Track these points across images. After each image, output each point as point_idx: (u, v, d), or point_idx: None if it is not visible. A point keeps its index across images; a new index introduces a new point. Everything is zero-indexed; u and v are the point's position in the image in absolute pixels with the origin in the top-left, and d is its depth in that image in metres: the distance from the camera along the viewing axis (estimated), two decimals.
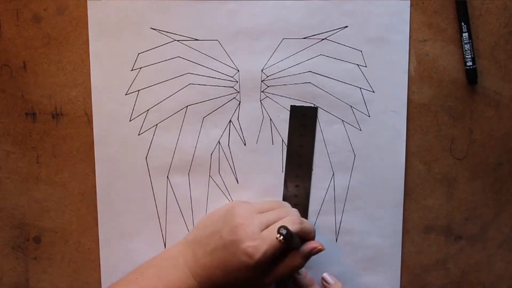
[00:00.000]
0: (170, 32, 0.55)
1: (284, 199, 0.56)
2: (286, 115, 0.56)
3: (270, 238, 0.48)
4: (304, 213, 0.56)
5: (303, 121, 0.55)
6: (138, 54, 0.55)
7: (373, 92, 0.55)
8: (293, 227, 0.49)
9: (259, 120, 0.56)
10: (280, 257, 0.50)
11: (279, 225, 0.47)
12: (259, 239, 0.48)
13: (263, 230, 0.49)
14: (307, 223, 0.52)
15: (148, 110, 0.56)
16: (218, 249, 0.49)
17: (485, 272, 0.58)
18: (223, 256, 0.49)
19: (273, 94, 0.55)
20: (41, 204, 0.58)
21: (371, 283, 0.57)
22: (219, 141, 0.56)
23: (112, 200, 0.57)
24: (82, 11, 0.55)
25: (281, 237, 0.46)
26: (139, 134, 0.56)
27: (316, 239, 0.57)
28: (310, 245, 0.51)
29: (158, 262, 0.52)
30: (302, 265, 0.51)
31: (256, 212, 0.51)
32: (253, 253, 0.47)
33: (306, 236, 0.51)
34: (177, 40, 0.55)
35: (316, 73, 0.55)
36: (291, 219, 0.50)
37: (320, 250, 0.51)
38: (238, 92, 0.56)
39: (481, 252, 0.57)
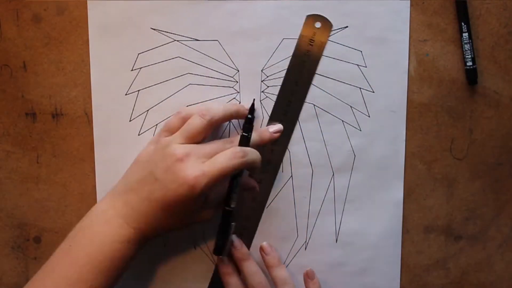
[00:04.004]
0: (170, 32, 0.55)
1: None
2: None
3: (211, 172, 0.47)
4: (276, 168, 0.56)
5: (313, 36, 0.54)
6: (138, 54, 0.55)
7: (373, 92, 0.55)
8: (233, 162, 0.48)
9: (259, 120, 0.56)
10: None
11: (216, 161, 0.48)
12: (199, 171, 0.46)
13: (203, 160, 0.48)
14: (251, 155, 0.50)
15: (148, 110, 0.56)
16: (155, 191, 0.48)
17: (485, 272, 0.58)
18: (163, 196, 0.47)
19: (273, 94, 0.55)
20: (41, 204, 0.58)
21: (371, 283, 0.57)
22: None
23: None
24: (82, 11, 0.55)
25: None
26: (139, 134, 0.56)
27: (316, 239, 0.57)
28: (247, 183, 0.53)
29: (88, 223, 0.49)
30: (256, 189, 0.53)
31: (180, 142, 0.49)
32: (194, 184, 0.46)
33: (250, 167, 0.50)
34: (177, 40, 0.55)
35: (316, 73, 0.55)
36: (232, 152, 0.48)
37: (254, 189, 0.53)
38: (238, 92, 0.56)
39: (481, 252, 0.57)
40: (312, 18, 0.54)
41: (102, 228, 0.48)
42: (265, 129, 0.54)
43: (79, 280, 0.47)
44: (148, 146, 0.52)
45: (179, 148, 0.48)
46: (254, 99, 0.54)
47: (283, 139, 0.56)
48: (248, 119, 0.52)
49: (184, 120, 0.51)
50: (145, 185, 0.49)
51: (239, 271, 0.55)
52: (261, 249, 0.55)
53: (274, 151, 0.56)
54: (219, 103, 0.53)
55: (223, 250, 0.52)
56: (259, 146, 0.53)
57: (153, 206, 0.48)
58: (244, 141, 0.51)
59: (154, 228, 0.49)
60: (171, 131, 0.51)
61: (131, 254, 0.49)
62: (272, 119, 0.55)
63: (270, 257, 0.54)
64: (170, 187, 0.47)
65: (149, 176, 0.48)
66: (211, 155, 0.48)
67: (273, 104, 0.55)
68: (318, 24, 0.54)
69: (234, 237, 0.55)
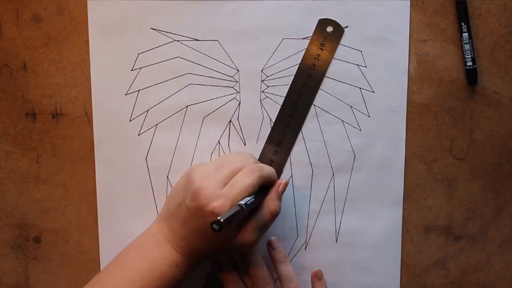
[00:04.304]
0: (170, 32, 0.55)
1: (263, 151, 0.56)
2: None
3: (232, 194, 0.48)
4: (279, 169, 0.56)
5: (324, 40, 0.54)
6: (138, 54, 0.55)
7: (373, 92, 0.55)
8: (250, 178, 0.48)
9: (259, 120, 0.56)
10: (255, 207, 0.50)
11: (234, 183, 0.48)
12: (221, 198, 0.47)
13: (223, 187, 0.48)
14: (266, 169, 0.51)
15: (148, 110, 0.56)
16: (188, 218, 0.49)
17: (485, 272, 0.58)
18: (195, 224, 0.49)
19: (273, 94, 0.55)
20: (41, 204, 0.58)
21: (371, 283, 0.57)
22: (219, 141, 0.56)
23: (112, 200, 0.57)
24: (82, 11, 0.55)
25: (214, 229, 0.44)
26: (139, 134, 0.56)
27: (316, 239, 0.57)
28: (275, 186, 0.51)
29: (139, 243, 0.52)
30: (279, 207, 0.51)
31: (213, 170, 0.50)
32: (219, 212, 0.47)
33: (267, 180, 0.51)
34: (177, 40, 0.55)
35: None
36: (248, 170, 0.49)
37: (286, 184, 0.51)
38: (238, 92, 0.56)
39: (481, 252, 0.57)
40: (324, 22, 0.54)
41: (153, 250, 0.50)
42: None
43: None
44: (184, 174, 0.52)
45: (199, 175, 0.49)
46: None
47: (286, 146, 0.56)
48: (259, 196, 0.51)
49: (235, 168, 0.50)
50: (181, 211, 0.50)
51: (236, 268, 0.55)
52: (269, 243, 0.55)
53: (278, 153, 0.56)
54: (268, 167, 0.52)
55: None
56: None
57: (190, 232, 0.49)
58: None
59: (198, 252, 0.50)
60: (220, 167, 0.51)
61: (179, 277, 0.50)
62: (275, 128, 0.55)
63: (277, 252, 0.55)
64: (198, 215, 0.48)
65: (182, 202, 0.50)
66: (228, 178, 0.49)
67: (277, 110, 0.55)
68: (330, 29, 0.54)
69: None
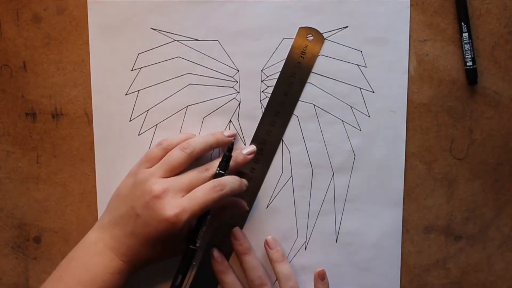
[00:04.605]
0: (170, 32, 0.55)
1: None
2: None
3: (191, 208, 0.47)
4: (263, 170, 0.56)
5: (304, 49, 0.54)
6: (138, 54, 0.55)
7: (373, 92, 0.55)
8: (212, 196, 0.48)
9: (259, 120, 0.56)
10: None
11: (195, 197, 0.48)
12: (179, 208, 0.47)
13: (179, 194, 0.48)
14: (229, 186, 0.50)
15: (148, 110, 0.56)
16: (138, 227, 0.49)
17: (485, 272, 0.58)
18: (146, 233, 0.48)
19: None
20: (41, 204, 0.58)
21: (371, 283, 0.57)
22: None
23: None
24: (82, 11, 0.55)
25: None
26: (139, 134, 0.56)
27: (316, 239, 0.57)
28: (235, 203, 0.53)
29: (79, 254, 0.51)
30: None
31: (160, 176, 0.49)
32: (176, 222, 0.47)
33: (231, 195, 0.50)
34: (177, 40, 0.55)
35: (316, 73, 0.55)
36: (211, 187, 0.49)
37: (240, 206, 0.53)
38: (238, 92, 0.56)
39: (481, 252, 0.57)
40: (305, 30, 0.54)
41: (94, 260, 0.50)
42: (239, 151, 0.54)
43: None
44: (127, 179, 0.52)
45: (156, 183, 0.49)
46: (234, 139, 0.54)
47: (275, 141, 0.56)
48: (225, 157, 0.52)
49: (165, 151, 0.52)
50: (128, 220, 0.49)
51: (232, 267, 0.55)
52: (266, 242, 0.55)
53: (267, 142, 0.56)
54: (199, 136, 0.53)
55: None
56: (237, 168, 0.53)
57: (137, 240, 0.49)
58: (219, 177, 0.51)
59: (142, 260, 0.50)
60: (151, 162, 0.52)
61: (121, 284, 0.51)
62: (260, 128, 0.55)
63: (275, 251, 0.55)
64: (151, 224, 0.48)
65: (131, 211, 0.49)
66: (189, 188, 0.49)
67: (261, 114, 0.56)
68: (310, 37, 0.54)
69: (236, 229, 0.55)
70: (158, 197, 0.48)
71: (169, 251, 0.51)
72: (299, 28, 0.54)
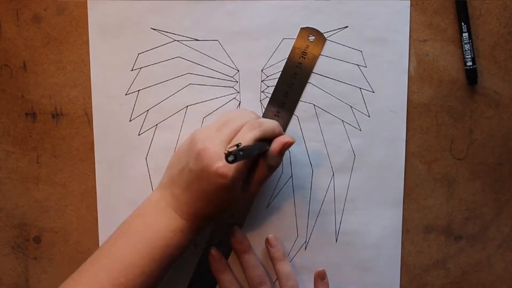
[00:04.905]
0: (170, 32, 0.55)
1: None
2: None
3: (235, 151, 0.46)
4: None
5: (305, 49, 0.54)
6: (138, 54, 0.55)
7: (373, 92, 0.55)
8: (252, 133, 0.48)
9: None
10: (256, 161, 0.49)
11: (237, 141, 0.47)
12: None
13: (226, 146, 0.48)
14: (268, 123, 0.50)
15: (148, 110, 0.56)
16: (192, 182, 0.48)
17: (485, 272, 0.58)
18: (199, 187, 0.48)
19: None
20: (41, 204, 0.58)
21: (371, 283, 0.57)
22: None
23: (112, 200, 0.57)
24: (82, 11, 0.55)
25: (228, 161, 0.43)
26: (139, 134, 0.56)
27: (316, 239, 0.57)
28: (278, 141, 0.49)
29: (142, 212, 0.51)
30: (278, 163, 0.50)
31: (215, 131, 0.49)
32: (226, 172, 0.46)
33: (270, 135, 0.50)
34: (177, 40, 0.55)
35: (316, 73, 0.55)
36: (249, 126, 0.49)
37: (290, 143, 0.50)
38: (238, 92, 0.56)
39: (481, 252, 0.57)
40: (306, 30, 0.54)
41: (157, 218, 0.50)
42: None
43: (132, 264, 0.48)
44: (186, 139, 0.52)
45: (202, 137, 0.48)
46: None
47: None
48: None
49: (236, 127, 0.50)
50: (183, 176, 0.49)
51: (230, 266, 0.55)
52: (267, 241, 0.55)
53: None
54: (271, 121, 0.51)
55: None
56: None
57: (194, 196, 0.49)
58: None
59: (203, 216, 0.50)
60: (221, 127, 0.50)
61: (184, 243, 0.50)
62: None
63: (276, 250, 0.55)
64: (203, 177, 0.47)
65: (185, 167, 0.49)
66: (231, 137, 0.49)
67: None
68: (311, 38, 0.54)
69: (236, 228, 0.55)
70: (205, 149, 0.47)
71: (228, 203, 0.50)
72: (301, 28, 0.54)
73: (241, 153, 0.43)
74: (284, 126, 0.56)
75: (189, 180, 0.48)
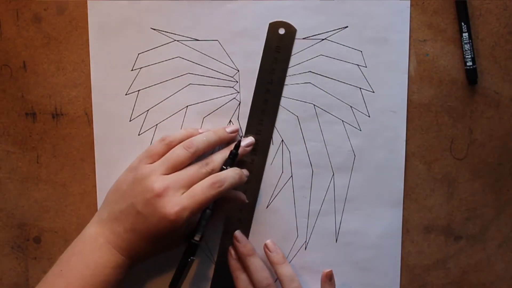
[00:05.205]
0: (170, 32, 0.55)
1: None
2: (287, 115, 0.56)
3: (191, 206, 0.48)
4: (263, 153, 0.56)
5: (278, 43, 0.54)
6: (138, 54, 0.55)
7: (373, 92, 0.55)
8: (211, 194, 0.48)
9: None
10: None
11: (194, 189, 0.48)
12: (179, 206, 0.48)
13: (179, 190, 0.49)
14: (229, 179, 0.50)
15: (148, 110, 0.56)
16: (138, 224, 0.49)
17: (485, 272, 0.58)
18: (146, 229, 0.49)
19: None
20: (41, 204, 0.58)
21: (371, 283, 0.57)
22: None
23: None
24: (82, 11, 0.55)
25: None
26: (139, 134, 0.56)
27: (316, 239, 0.57)
28: (234, 197, 0.53)
29: (79, 249, 0.51)
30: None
31: (161, 173, 0.50)
32: (176, 220, 0.47)
33: (231, 191, 0.52)
34: (177, 40, 0.55)
35: (316, 73, 0.55)
36: (210, 183, 0.49)
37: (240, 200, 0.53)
38: (238, 92, 0.56)
39: (481, 252, 0.57)
40: (275, 24, 0.54)
41: (95, 255, 0.50)
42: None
43: None
44: (127, 173, 0.52)
45: (157, 181, 0.49)
46: (241, 136, 0.54)
47: (263, 143, 0.56)
48: (232, 154, 0.52)
49: (168, 147, 0.51)
50: (128, 216, 0.49)
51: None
52: (265, 246, 0.55)
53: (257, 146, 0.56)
54: (202, 135, 0.53)
55: (176, 285, 0.52)
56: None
57: (138, 236, 0.49)
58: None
59: (142, 254, 0.51)
60: (153, 158, 0.51)
61: (122, 277, 0.51)
62: (250, 128, 0.55)
63: (275, 254, 0.55)
64: (151, 221, 0.48)
65: (131, 207, 0.49)
66: (189, 184, 0.49)
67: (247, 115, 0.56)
68: (282, 31, 0.54)
69: (238, 233, 0.55)
70: (159, 195, 0.48)
71: (169, 246, 0.52)
72: (269, 23, 0.54)
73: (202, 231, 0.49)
74: (272, 125, 0.56)
75: (135, 221, 0.49)
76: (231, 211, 0.55)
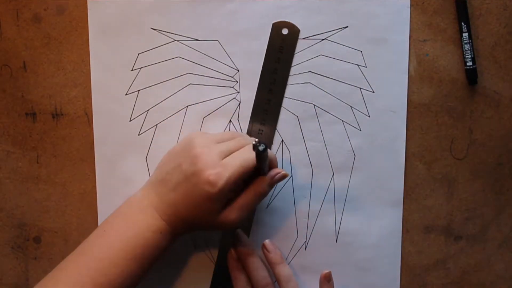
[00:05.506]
0: (170, 32, 0.55)
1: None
2: (287, 115, 0.56)
3: (231, 165, 0.48)
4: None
5: (281, 43, 0.54)
6: (138, 54, 0.55)
7: (373, 92, 0.55)
8: (252, 154, 0.47)
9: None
10: (243, 187, 0.50)
11: (238, 157, 0.48)
12: (220, 167, 0.47)
13: (223, 158, 0.48)
14: (270, 152, 0.51)
15: (148, 110, 0.56)
16: (180, 183, 0.49)
17: (485, 272, 0.58)
18: (186, 189, 0.48)
19: None
20: (41, 204, 0.58)
21: (371, 283, 0.57)
22: None
23: (112, 200, 0.57)
24: (82, 11, 0.55)
25: (259, 150, 0.44)
26: (139, 134, 0.56)
27: (316, 239, 0.57)
28: (274, 171, 0.50)
29: (124, 210, 0.51)
30: (267, 192, 0.50)
31: (215, 142, 0.50)
32: (215, 180, 0.47)
33: (269, 164, 0.50)
34: (177, 40, 0.55)
35: (316, 73, 0.55)
36: (250, 146, 0.49)
37: (285, 176, 0.51)
38: (238, 92, 0.56)
39: (481, 252, 0.57)
40: (279, 24, 0.54)
41: (137, 217, 0.50)
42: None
43: (111, 264, 0.48)
44: (182, 140, 0.52)
45: (201, 142, 0.49)
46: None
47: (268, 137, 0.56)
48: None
49: (238, 144, 0.51)
50: (173, 176, 0.49)
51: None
52: (263, 246, 0.55)
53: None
54: (274, 157, 0.52)
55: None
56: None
57: (178, 197, 0.49)
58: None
59: (182, 222, 0.50)
60: (221, 141, 0.51)
61: (163, 245, 0.50)
62: (252, 127, 0.55)
63: (273, 254, 0.55)
64: (192, 180, 0.48)
65: (177, 167, 0.49)
66: (229, 152, 0.49)
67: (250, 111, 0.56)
68: (285, 31, 0.54)
69: (239, 231, 0.55)
70: (202, 154, 0.48)
71: (206, 220, 0.50)
72: (273, 23, 0.54)
73: (265, 152, 0.43)
74: (275, 120, 0.56)
75: (178, 180, 0.49)
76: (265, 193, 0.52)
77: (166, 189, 0.50)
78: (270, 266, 0.55)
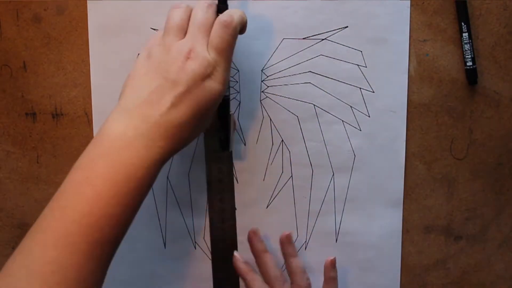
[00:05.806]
0: None
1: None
2: (287, 115, 0.56)
3: (217, 51, 0.44)
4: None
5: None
6: (138, 54, 0.55)
7: (373, 92, 0.55)
8: (226, 35, 0.44)
9: (259, 120, 0.56)
10: None
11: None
12: (211, 58, 0.44)
13: (205, 45, 0.44)
14: (235, 14, 0.46)
15: None
16: (179, 95, 0.43)
17: (485, 272, 0.58)
18: (192, 98, 0.43)
19: (273, 94, 0.55)
20: (41, 204, 0.58)
21: (371, 283, 0.57)
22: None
23: None
24: (82, 11, 0.55)
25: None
26: None
27: (316, 239, 0.57)
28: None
29: (104, 150, 0.42)
30: (234, 19, 0.46)
31: (173, 33, 0.45)
32: (213, 72, 0.44)
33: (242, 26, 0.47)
34: None
35: (316, 73, 0.55)
36: (220, 23, 0.45)
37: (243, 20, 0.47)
38: (238, 92, 0.56)
39: (481, 252, 0.57)
40: None
41: (125, 154, 0.42)
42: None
43: (106, 215, 0.41)
44: (142, 58, 0.46)
45: (180, 44, 0.44)
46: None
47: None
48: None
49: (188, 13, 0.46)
50: (164, 93, 0.43)
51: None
52: (285, 237, 0.55)
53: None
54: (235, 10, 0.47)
55: (228, 143, 0.47)
56: None
57: (182, 113, 0.43)
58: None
59: (182, 140, 0.44)
60: (183, 31, 0.45)
61: (155, 178, 0.44)
62: None
63: (292, 246, 0.56)
64: (192, 86, 0.43)
65: (165, 82, 0.43)
66: (207, 31, 0.45)
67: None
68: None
69: (254, 228, 0.56)
70: (189, 57, 0.43)
71: (208, 118, 0.46)
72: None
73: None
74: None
75: (176, 94, 0.43)
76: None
77: (160, 110, 0.42)
78: (285, 257, 0.55)
